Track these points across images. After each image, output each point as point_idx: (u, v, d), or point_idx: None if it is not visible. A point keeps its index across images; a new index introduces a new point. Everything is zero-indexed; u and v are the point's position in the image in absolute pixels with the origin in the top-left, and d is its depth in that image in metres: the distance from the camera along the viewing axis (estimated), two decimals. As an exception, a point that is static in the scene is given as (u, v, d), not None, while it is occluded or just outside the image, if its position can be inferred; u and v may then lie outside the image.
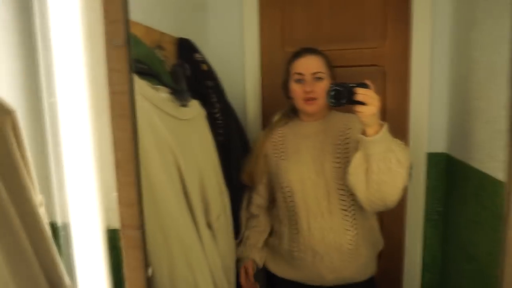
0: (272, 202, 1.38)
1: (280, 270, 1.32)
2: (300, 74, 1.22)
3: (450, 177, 1.56)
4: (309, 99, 1.21)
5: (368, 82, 1.02)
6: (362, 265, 1.24)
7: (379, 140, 1.01)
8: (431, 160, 1.61)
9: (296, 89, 1.23)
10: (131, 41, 0.93)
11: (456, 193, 1.48)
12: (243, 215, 1.38)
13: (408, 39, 1.58)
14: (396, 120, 1.62)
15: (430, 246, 1.67)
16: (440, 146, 1.59)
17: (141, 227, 0.61)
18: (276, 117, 1.37)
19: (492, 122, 1.13)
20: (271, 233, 1.40)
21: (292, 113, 1.33)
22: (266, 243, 1.39)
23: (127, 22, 0.58)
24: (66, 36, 0.64)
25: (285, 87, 1.30)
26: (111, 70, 0.58)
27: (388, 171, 1.02)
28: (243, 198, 1.40)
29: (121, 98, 0.58)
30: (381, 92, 1.60)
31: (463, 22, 1.41)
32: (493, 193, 1.12)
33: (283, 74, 1.30)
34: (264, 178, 1.35)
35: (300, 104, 1.24)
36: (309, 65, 1.22)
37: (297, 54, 1.26)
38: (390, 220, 1.67)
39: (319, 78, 1.21)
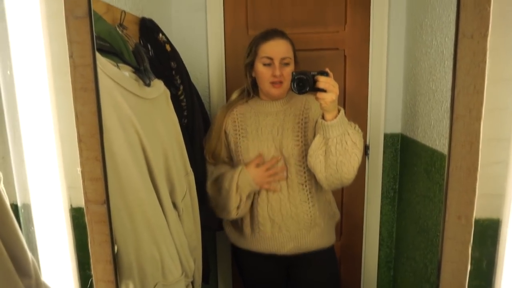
0: None
1: (243, 242, 1.38)
2: (269, 58, 1.23)
3: (404, 156, 1.66)
4: (276, 83, 1.24)
5: (327, 70, 1.09)
6: (319, 234, 1.33)
7: (337, 124, 1.10)
8: (387, 140, 1.70)
9: (264, 71, 1.25)
10: (92, 12, 0.91)
11: (410, 171, 1.58)
12: (209, 188, 1.39)
13: (367, 24, 1.64)
14: (355, 102, 1.68)
15: (386, 222, 1.77)
16: (395, 127, 1.68)
17: (106, 202, 0.61)
18: (234, 95, 1.39)
19: (442, 102, 1.21)
20: None
21: (252, 91, 1.35)
22: (228, 222, 1.43)
23: (87, -7, 0.56)
24: (23, 6, 0.61)
25: (250, 67, 1.30)
26: (72, 42, 0.57)
27: (345, 152, 1.12)
28: (207, 174, 1.41)
29: (84, 70, 0.57)
30: (341, 75, 1.66)
31: (417, 8, 1.49)
32: (441, 168, 1.21)
33: (249, 54, 1.30)
34: (226, 154, 1.38)
35: (266, 86, 1.27)
36: (278, 50, 1.24)
37: (266, 36, 1.26)
38: (351, 198, 1.76)
39: (287, 64, 1.25)
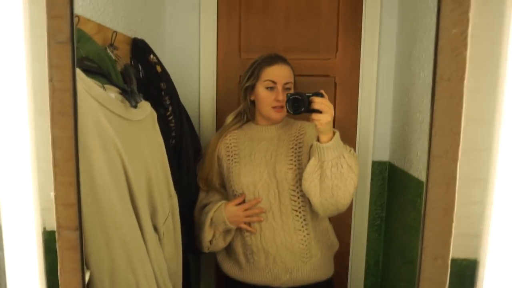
0: None
1: (237, 273, 1.33)
2: (273, 82, 1.24)
3: (392, 184, 1.66)
4: (278, 108, 1.24)
5: (322, 91, 1.09)
6: (316, 266, 1.28)
7: (332, 147, 1.08)
8: (375, 168, 1.70)
9: (266, 95, 1.25)
10: (77, 39, 0.91)
11: (397, 200, 1.57)
12: (195, 215, 1.37)
13: (358, 52, 1.66)
14: (344, 129, 1.68)
15: (373, 251, 1.75)
16: (383, 155, 1.69)
17: (79, 228, 0.60)
18: (229, 118, 1.38)
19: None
20: None
21: (248, 115, 1.34)
22: (221, 253, 1.39)
23: (71, 18, 0.57)
24: (7, 30, 0.61)
25: (249, 90, 1.30)
26: (53, 67, 0.57)
27: (340, 176, 1.09)
28: (197, 200, 1.39)
29: (62, 95, 0.57)
30: (331, 102, 1.67)
31: (406, 39, 1.52)
32: (426, 200, 1.21)
33: (250, 77, 1.29)
34: (218, 181, 1.36)
35: (267, 110, 1.26)
36: (283, 74, 1.25)
37: (270, 61, 1.27)
38: (337, 225, 1.74)
39: (288, 89, 1.26)
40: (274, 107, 1.25)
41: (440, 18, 0.49)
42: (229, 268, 1.35)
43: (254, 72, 1.29)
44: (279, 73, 1.25)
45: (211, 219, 1.26)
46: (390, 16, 1.62)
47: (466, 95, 0.54)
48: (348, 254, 1.76)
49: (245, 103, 1.32)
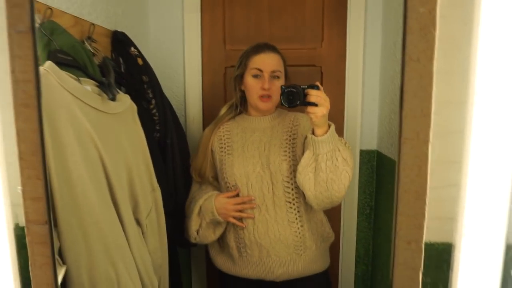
0: None
1: (230, 267, 1.32)
2: (259, 70, 1.22)
3: (380, 173, 1.66)
4: (264, 96, 1.22)
5: (318, 83, 1.06)
6: (311, 258, 1.26)
7: (328, 140, 1.06)
8: (363, 157, 1.70)
9: (253, 84, 1.23)
10: (51, 32, 0.89)
11: (385, 188, 1.57)
12: (186, 206, 1.36)
13: (344, 42, 1.65)
14: (332, 119, 1.66)
15: (363, 239, 1.76)
16: (371, 143, 1.69)
17: (48, 222, 0.59)
18: (222, 110, 1.36)
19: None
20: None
21: (240, 106, 1.33)
22: (214, 247, 1.38)
23: (31, 6, 0.55)
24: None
25: (239, 80, 1.28)
26: (14, 57, 0.55)
27: (335, 169, 1.08)
28: (189, 193, 1.38)
29: (25, 86, 0.55)
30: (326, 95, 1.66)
31: (391, 26, 1.50)
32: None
33: (239, 67, 1.28)
34: (212, 174, 1.34)
35: (254, 100, 1.24)
36: (269, 62, 1.23)
37: (257, 49, 1.25)
38: (327, 214, 1.73)
39: (276, 77, 1.23)
40: (260, 96, 1.22)
41: (406, -4, 0.48)
42: (222, 263, 1.34)
43: (242, 61, 1.27)
44: (265, 61, 1.22)
45: (200, 207, 1.25)
46: (375, 4, 1.61)
47: (437, 77, 0.53)
48: (339, 244, 1.76)
49: (235, 93, 1.30)
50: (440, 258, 0.62)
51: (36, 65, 0.56)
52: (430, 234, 0.60)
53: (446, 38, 0.55)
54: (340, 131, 1.68)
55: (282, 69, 1.26)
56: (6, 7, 0.55)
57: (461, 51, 0.58)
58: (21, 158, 0.57)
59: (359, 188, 1.71)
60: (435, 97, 0.53)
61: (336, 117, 1.68)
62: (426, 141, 0.52)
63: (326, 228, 1.33)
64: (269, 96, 1.22)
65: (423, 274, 0.58)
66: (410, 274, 0.55)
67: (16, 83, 0.56)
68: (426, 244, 0.58)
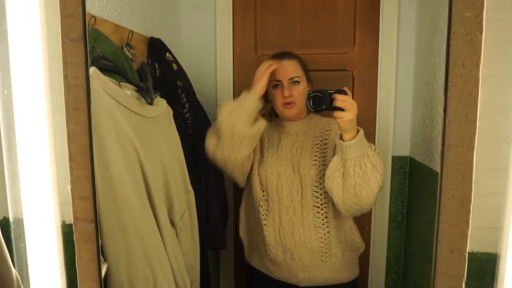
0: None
1: (255, 261, 1.34)
2: (277, 80, 1.23)
3: (412, 179, 1.62)
4: (287, 103, 1.23)
5: (345, 88, 1.05)
6: (336, 267, 1.24)
7: (356, 145, 1.04)
8: (395, 163, 1.66)
9: (274, 94, 1.25)
10: (94, 39, 0.93)
11: (418, 195, 1.53)
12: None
13: (376, 46, 1.63)
14: (363, 124, 1.63)
15: (394, 247, 1.72)
16: (404, 150, 1.65)
17: (95, 220, 0.61)
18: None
19: (449, 127, 1.18)
20: (246, 227, 1.41)
21: (272, 114, 1.36)
22: (244, 233, 1.40)
23: (84, 16, 0.58)
24: (24, 28, 0.64)
25: (266, 92, 1.29)
26: (67, 64, 0.59)
27: (364, 175, 1.06)
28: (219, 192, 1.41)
29: (76, 91, 0.58)
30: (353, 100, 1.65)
31: (425, 30, 1.47)
32: (448, 195, 1.18)
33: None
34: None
35: (279, 108, 1.26)
36: (286, 70, 1.23)
37: (273, 59, 1.26)
38: (357, 221, 1.71)
39: (297, 82, 1.23)
40: (284, 104, 1.24)
41: (452, 1, 0.47)
42: (249, 254, 1.37)
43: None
44: (281, 70, 1.23)
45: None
46: (408, 8, 1.58)
47: (482, 81, 0.52)
48: (369, 251, 1.73)
49: (265, 105, 1.32)
50: (483, 269, 0.61)
51: (87, 71, 0.59)
52: (473, 243, 0.58)
53: (492, 42, 0.54)
54: (371, 137, 1.66)
55: (301, 73, 1.26)
56: (60, 17, 0.59)
57: (508, 55, 0.56)
58: (71, 159, 0.60)
59: (391, 195, 1.68)
60: (480, 103, 0.52)
61: (368, 123, 1.66)
62: (471, 148, 0.51)
63: (355, 237, 1.31)
64: (292, 103, 1.23)
65: (465, 284, 0.57)
66: (453, 284, 0.54)
67: (68, 88, 0.59)
68: (469, 254, 0.56)
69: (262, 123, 1.22)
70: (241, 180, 1.34)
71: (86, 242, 0.62)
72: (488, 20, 0.52)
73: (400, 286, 1.73)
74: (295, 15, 1.67)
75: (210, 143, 1.22)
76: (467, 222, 0.52)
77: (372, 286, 1.75)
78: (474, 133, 0.51)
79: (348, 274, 1.29)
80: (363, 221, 1.71)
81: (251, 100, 1.17)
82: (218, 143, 1.20)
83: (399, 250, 1.71)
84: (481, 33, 0.49)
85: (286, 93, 1.22)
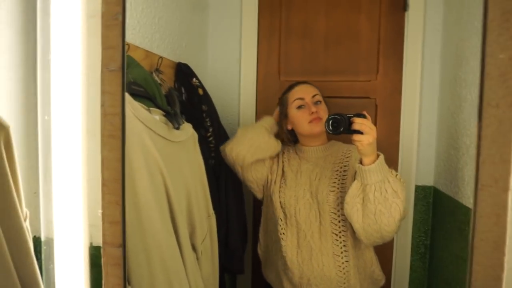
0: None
1: (275, 282, 1.33)
2: (301, 99, 1.26)
3: (436, 210, 1.58)
4: (314, 119, 1.24)
5: (365, 112, 1.06)
6: None
7: (375, 170, 1.03)
8: (419, 193, 1.63)
9: (299, 114, 1.27)
10: (126, 65, 0.97)
11: (442, 227, 1.49)
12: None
13: (400, 75, 1.63)
14: (386, 152, 1.62)
15: (416, 279, 1.66)
16: (428, 179, 1.62)
17: (123, 245, 0.62)
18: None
19: (476, 159, 1.16)
20: (264, 245, 1.42)
21: (292, 142, 1.37)
22: (262, 250, 1.42)
23: (123, 48, 0.61)
24: (65, 58, 0.67)
25: (285, 121, 1.33)
26: (105, 93, 0.61)
27: (384, 201, 1.03)
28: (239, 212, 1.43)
29: (112, 119, 0.61)
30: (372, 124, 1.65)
31: (451, 60, 1.47)
32: (476, 229, 1.14)
33: (281, 108, 1.33)
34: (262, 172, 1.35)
35: (306, 127, 1.26)
36: (306, 90, 1.28)
37: (292, 85, 1.32)
38: (378, 252, 1.67)
39: (319, 102, 1.27)
40: (310, 122, 1.25)
41: (486, 43, 0.48)
42: (271, 277, 1.36)
43: (282, 102, 1.33)
44: (303, 90, 1.28)
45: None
46: (433, 37, 1.58)
47: (517, 121, 0.51)
48: (390, 284, 1.68)
49: (285, 135, 1.35)
50: (518, 313, 0.58)
51: (123, 101, 0.61)
52: (508, 286, 0.56)
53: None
54: (394, 165, 1.63)
55: (321, 96, 1.29)
56: (101, 48, 0.62)
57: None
58: (103, 184, 0.62)
59: (414, 225, 1.64)
60: (515, 142, 0.52)
61: (391, 151, 1.64)
62: (505, 189, 0.50)
63: (375, 269, 1.27)
64: (318, 118, 1.24)
65: (500, 330, 0.55)
66: (486, 329, 0.52)
67: (104, 116, 0.62)
68: (503, 297, 0.54)
69: (277, 143, 1.31)
70: (255, 188, 1.37)
71: (114, 267, 0.63)
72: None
73: (422, 321, 1.67)
74: (319, 42, 1.70)
75: (225, 143, 1.34)
76: (502, 264, 0.51)
77: (393, 320, 1.69)
78: (509, 173, 0.50)
79: None
80: (384, 252, 1.66)
81: (268, 118, 1.33)
82: (230, 142, 1.31)
83: (421, 283, 1.66)
84: (516, 74, 0.49)
85: (313, 109, 1.24)
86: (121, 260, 0.63)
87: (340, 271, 1.20)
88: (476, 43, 1.21)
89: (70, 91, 0.65)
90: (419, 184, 1.63)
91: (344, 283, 1.20)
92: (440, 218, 1.53)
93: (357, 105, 1.66)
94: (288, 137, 1.36)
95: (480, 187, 0.50)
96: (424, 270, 1.65)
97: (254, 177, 1.33)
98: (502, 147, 0.50)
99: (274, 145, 1.30)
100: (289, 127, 1.32)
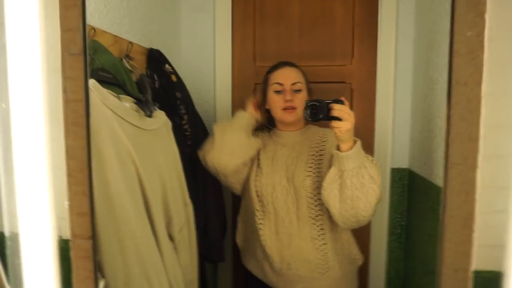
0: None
1: (253, 268, 1.34)
2: (279, 84, 1.24)
3: (412, 192, 1.61)
4: (288, 108, 1.23)
5: (343, 98, 1.05)
6: (334, 280, 1.23)
7: (353, 156, 1.03)
8: (394, 175, 1.66)
9: (275, 99, 1.25)
10: (93, 51, 0.93)
11: (417, 208, 1.53)
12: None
13: (374, 59, 1.64)
14: (361, 136, 1.63)
15: (394, 260, 1.70)
16: (403, 162, 1.65)
17: (92, 237, 0.60)
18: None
19: (448, 140, 1.18)
20: (243, 234, 1.41)
21: (269, 125, 1.36)
22: (241, 239, 1.41)
23: (84, 30, 0.58)
24: (22, 42, 0.63)
25: (263, 99, 1.31)
26: (66, 78, 0.58)
27: (361, 186, 1.04)
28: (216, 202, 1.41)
29: (76, 106, 0.58)
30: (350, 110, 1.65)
31: (424, 43, 1.49)
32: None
33: (261, 87, 1.33)
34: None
35: (279, 113, 1.26)
36: (288, 76, 1.25)
37: (277, 66, 1.30)
38: (356, 234, 1.70)
39: (298, 90, 1.25)
40: (284, 109, 1.24)
41: (454, 21, 0.47)
42: (250, 265, 1.36)
43: (264, 81, 1.32)
44: (284, 75, 1.25)
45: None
46: (406, 21, 1.60)
47: (484, 100, 0.52)
48: (368, 265, 1.71)
49: (262, 114, 1.33)
50: (487, 287, 0.60)
51: (86, 86, 0.58)
52: (477, 262, 0.58)
53: (494, 60, 0.54)
54: (370, 149, 1.66)
55: (303, 82, 1.27)
56: (60, 30, 0.58)
57: (509, 73, 0.56)
58: (69, 174, 0.59)
59: (390, 207, 1.67)
60: (483, 120, 0.52)
61: (366, 135, 1.66)
62: (474, 167, 0.50)
63: (353, 249, 1.30)
64: (293, 108, 1.23)
65: (470, 304, 0.56)
66: (457, 304, 0.53)
67: (67, 102, 0.58)
68: (473, 272, 0.55)
69: (256, 141, 1.29)
70: (237, 188, 1.36)
71: (83, 260, 0.61)
72: (489, 39, 0.52)
73: (399, 299, 1.72)
74: (294, 26, 1.68)
75: (204, 150, 1.30)
76: (471, 241, 0.52)
77: (371, 300, 1.73)
78: (477, 151, 0.50)
79: (347, 287, 1.27)
80: (362, 234, 1.69)
81: (243, 114, 1.29)
82: (210, 150, 1.27)
83: (398, 263, 1.70)
84: (483, 52, 0.49)
85: (288, 97, 1.22)
86: (91, 253, 0.60)
87: (319, 254, 1.21)
88: (447, 26, 1.22)
89: (29, 77, 0.61)
90: (395, 166, 1.66)
91: (323, 264, 1.21)
92: (415, 199, 1.57)
93: (333, 90, 1.66)
94: (264, 121, 1.34)
95: (449, 165, 0.50)
96: (401, 250, 1.69)
97: (238, 180, 1.33)
98: (471, 125, 0.50)
99: (255, 145, 1.29)
100: (267, 107, 1.31)
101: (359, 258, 1.31)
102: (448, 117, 0.50)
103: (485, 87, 0.52)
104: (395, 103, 1.63)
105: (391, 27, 1.60)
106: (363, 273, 1.72)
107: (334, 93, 1.66)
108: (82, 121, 0.58)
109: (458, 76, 0.49)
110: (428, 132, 1.40)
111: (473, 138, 0.50)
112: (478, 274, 0.58)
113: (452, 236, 0.51)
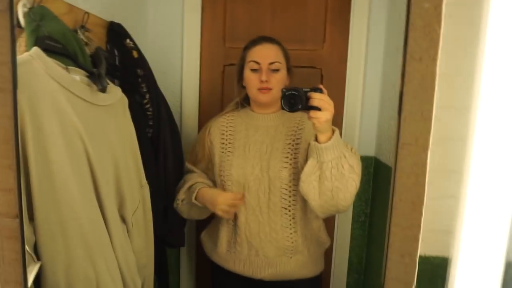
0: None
1: (217, 258, 1.30)
2: (256, 62, 1.18)
3: (376, 180, 1.62)
4: (263, 89, 1.17)
5: (321, 86, 0.99)
6: (302, 263, 1.23)
7: (332, 147, 0.99)
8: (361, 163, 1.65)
9: (251, 77, 1.19)
10: (40, 17, 0.86)
11: (381, 196, 1.54)
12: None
13: (346, 44, 1.62)
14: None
15: (357, 247, 1.72)
16: (369, 150, 1.65)
17: (20, 215, 0.55)
18: (228, 108, 1.33)
19: (412, 128, 1.18)
20: (210, 224, 1.38)
21: (245, 103, 1.30)
22: (206, 233, 1.37)
23: (10, -15, 0.51)
24: None
25: (239, 75, 1.25)
26: (-10, 38, 0.52)
27: (341, 177, 1.01)
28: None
29: (0, 69, 0.52)
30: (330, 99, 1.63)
31: (394, 32, 1.47)
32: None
33: (238, 62, 1.26)
34: (205, 165, 1.32)
35: (253, 93, 1.20)
36: (266, 54, 1.18)
37: (255, 42, 1.22)
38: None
39: (276, 70, 1.18)
40: (259, 89, 1.18)
41: (411, -10, 0.45)
42: (210, 252, 1.32)
43: (241, 56, 1.25)
44: (262, 53, 1.18)
45: (190, 187, 1.26)
46: (379, 7, 1.57)
47: (440, 79, 0.50)
48: (332, 251, 1.72)
49: (238, 90, 1.27)
50: (434, 273, 0.59)
51: (14, 47, 0.52)
52: (425, 247, 0.57)
53: (452, 39, 0.52)
54: (338, 136, 1.64)
55: (282, 61, 1.20)
56: (-17, -16, 0.52)
57: (467, 53, 0.54)
58: (-7, 146, 0.54)
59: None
60: (437, 101, 0.50)
61: (335, 122, 1.63)
62: (425, 148, 0.48)
63: (322, 234, 1.29)
64: (268, 89, 1.17)
65: (416, 289, 0.55)
66: (402, 289, 0.51)
67: (-10, 65, 0.52)
68: (420, 258, 0.54)
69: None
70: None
71: (9, 240, 0.55)
72: (448, 15, 0.49)
73: (361, 286, 1.74)
74: (266, 8, 1.64)
75: (181, 209, 1.31)
76: (419, 225, 0.50)
77: (334, 285, 1.74)
78: (429, 132, 0.48)
79: (313, 268, 1.28)
80: (326, 221, 1.69)
81: (214, 206, 1.18)
82: (187, 213, 1.31)
83: (361, 250, 1.72)
84: (440, 26, 0.46)
85: (264, 77, 1.15)
86: (18, 233, 0.55)
87: (288, 241, 1.20)
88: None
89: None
90: (361, 154, 1.64)
91: (292, 249, 1.21)
92: (379, 187, 1.58)
93: (303, 75, 1.63)
94: (241, 98, 1.29)
95: (400, 146, 0.48)
96: (364, 237, 1.71)
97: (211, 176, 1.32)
98: (424, 104, 0.48)
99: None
100: (244, 84, 1.25)
101: (327, 242, 1.32)
102: (401, 95, 0.47)
103: (441, 67, 0.49)
104: (364, 91, 1.62)
105: (363, 12, 1.58)
106: (327, 259, 1.72)
107: (304, 78, 1.63)
108: (8, 87, 0.52)
109: (412, 51, 0.46)
110: (394, 120, 1.40)
111: (426, 118, 0.48)
112: (424, 259, 0.57)
113: (400, 220, 0.49)
